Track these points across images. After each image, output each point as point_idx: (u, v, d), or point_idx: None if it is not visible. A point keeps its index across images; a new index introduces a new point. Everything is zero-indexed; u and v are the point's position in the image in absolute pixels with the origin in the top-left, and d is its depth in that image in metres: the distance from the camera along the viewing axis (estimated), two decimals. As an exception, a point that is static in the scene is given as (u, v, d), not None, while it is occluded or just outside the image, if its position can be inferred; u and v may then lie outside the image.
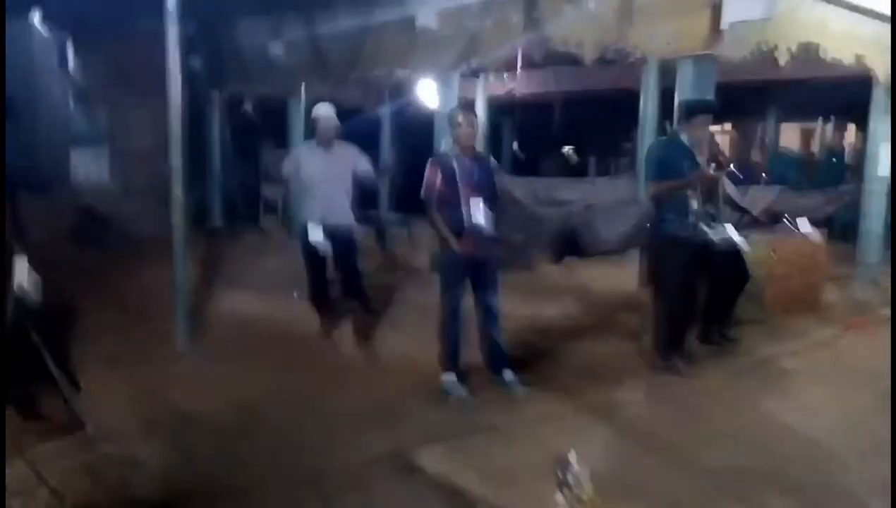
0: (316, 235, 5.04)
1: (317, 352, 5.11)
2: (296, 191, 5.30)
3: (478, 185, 4.27)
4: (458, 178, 4.23)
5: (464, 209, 4.23)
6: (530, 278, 6.64)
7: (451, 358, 4.43)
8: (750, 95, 11.36)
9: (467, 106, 4.81)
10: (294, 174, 5.20)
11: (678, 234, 4.72)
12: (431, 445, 3.63)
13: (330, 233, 5.05)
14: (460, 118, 4.32)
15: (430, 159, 4.38)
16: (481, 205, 4.24)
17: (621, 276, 7.19)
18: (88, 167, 10.73)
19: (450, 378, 4.43)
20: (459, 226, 4.24)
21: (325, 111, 5.09)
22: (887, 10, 6.81)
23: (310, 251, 5.12)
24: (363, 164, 5.19)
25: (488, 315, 4.41)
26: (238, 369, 4.70)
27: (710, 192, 5.06)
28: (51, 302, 3.61)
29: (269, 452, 3.54)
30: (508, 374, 4.47)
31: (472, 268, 4.30)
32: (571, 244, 6.06)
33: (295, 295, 6.59)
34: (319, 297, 5.29)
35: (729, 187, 5.26)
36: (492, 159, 4.58)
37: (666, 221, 4.75)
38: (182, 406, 4.02)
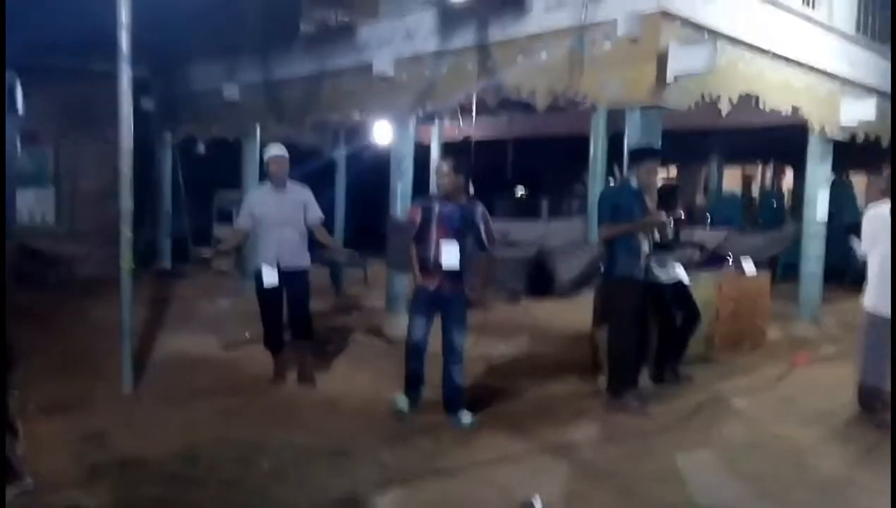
0: (270, 279, 4.99)
1: (267, 394, 5.02)
2: (253, 235, 5.18)
3: (455, 229, 4.45)
4: (433, 221, 4.48)
5: (433, 249, 4.45)
6: (487, 317, 6.67)
7: (408, 384, 4.69)
8: (694, 141, 11.83)
9: (452, 157, 4.83)
10: (248, 219, 5.14)
11: (629, 275, 4.84)
12: (386, 488, 3.58)
13: (284, 275, 5.02)
14: (443, 167, 4.55)
15: (413, 202, 4.84)
16: (453, 247, 4.41)
17: (576, 315, 7.28)
18: (33, 207, 10.46)
19: (401, 401, 4.68)
20: (426, 263, 4.50)
21: (276, 151, 5.11)
22: (820, 65, 7.26)
23: (265, 295, 5.06)
24: (314, 209, 5.17)
25: (449, 352, 4.55)
26: (186, 412, 4.58)
27: (660, 235, 5.26)
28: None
29: (219, 501, 3.43)
30: (465, 416, 4.53)
31: (438, 304, 4.52)
32: (527, 284, 6.13)
33: (246, 335, 6.50)
34: (275, 341, 5.22)
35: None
36: (480, 206, 4.58)
37: (618, 262, 4.86)
38: (128, 452, 3.89)
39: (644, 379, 5.28)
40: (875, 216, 4.75)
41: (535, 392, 5.30)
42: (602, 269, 5.13)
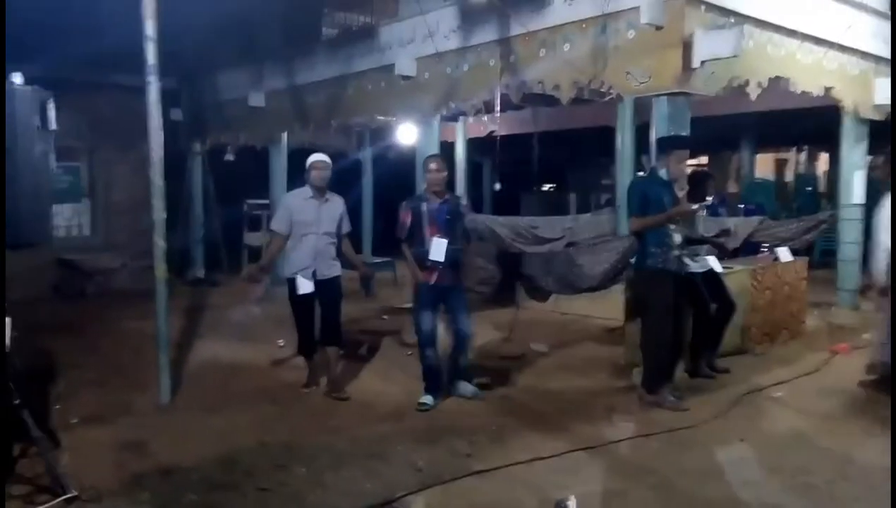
0: (306, 288, 4.98)
1: (302, 400, 5.05)
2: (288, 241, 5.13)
3: (444, 226, 4.81)
4: (423, 220, 4.81)
5: (428, 246, 4.78)
6: (517, 315, 6.65)
7: (427, 377, 4.90)
8: (724, 128, 11.62)
9: (438, 154, 5.43)
10: (287, 224, 5.09)
11: (661, 267, 4.77)
12: (421, 490, 3.58)
13: (318, 283, 5.00)
14: (431, 165, 4.87)
15: (403, 203, 4.94)
16: (443, 243, 4.76)
17: (607, 311, 7.24)
18: (69, 221, 10.71)
19: (426, 399, 4.85)
20: (424, 260, 4.80)
21: (318, 157, 5.08)
22: (852, 43, 7.06)
23: (300, 303, 5.04)
24: (346, 221, 5.20)
25: (458, 337, 4.95)
26: (223, 420, 4.63)
27: (692, 225, 5.18)
28: (31, 360, 3.56)
29: (258, 505, 3.47)
30: (466, 388, 4.99)
31: (440, 296, 4.85)
32: (557, 280, 6.08)
33: (280, 343, 6.57)
34: (309, 348, 5.22)
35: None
36: (462, 200, 5.12)
37: (649, 255, 4.80)
38: (167, 460, 3.95)
39: (680, 372, 5.20)
40: None
41: (569, 389, 5.28)
42: (633, 262, 5.06)
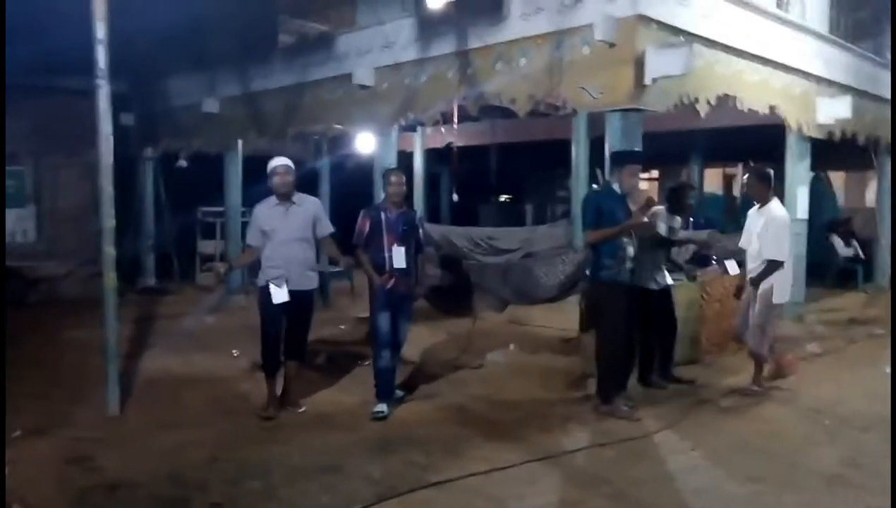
0: (281, 297, 4.80)
1: (256, 412, 4.95)
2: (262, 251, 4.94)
3: (401, 236, 4.98)
4: (383, 229, 4.96)
5: (387, 254, 4.94)
6: (474, 325, 6.67)
7: (382, 384, 4.95)
8: (675, 143, 11.91)
9: (398, 168, 5.51)
10: (259, 236, 4.90)
11: (615, 279, 4.84)
12: (379, 503, 3.55)
13: (290, 295, 4.82)
14: (392, 178, 5.04)
15: (361, 211, 5.04)
16: (402, 251, 4.95)
17: (563, 322, 7.30)
18: (13, 227, 10.32)
19: (381, 408, 4.88)
20: (382, 266, 4.94)
21: (279, 162, 4.91)
22: (796, 64, 7.34)
23: (271, 315, 4.84)
24: (323, 223, 5.02)
25: (397, 342, 5.07)
26: (174, 433, 4.51)
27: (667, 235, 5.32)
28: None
29: (209, 521, 3.38)
30: (397, 393, 5.15)
31: (393, 301, 4.97)
32: (513, 291, 6.13)
33: (235, 353, 6.45)
34: (274, 364, 4.94)
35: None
36: (417, 213, 5.34)
37: (603, 267, 4.86)
38: (116, 475, 3.82)
39: (632, 381, 5.27)
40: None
41: (525, 399, 5.30)
42: (588, 274, 5.14)
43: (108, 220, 4.67)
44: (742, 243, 5.58)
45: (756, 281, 5.34)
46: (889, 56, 8.79)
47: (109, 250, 4.67)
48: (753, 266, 5.39)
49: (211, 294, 9.91)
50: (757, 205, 5.47)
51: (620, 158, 5.05)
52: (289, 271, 4.81)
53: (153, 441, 4.36)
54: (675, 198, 5.65)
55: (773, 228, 5.28)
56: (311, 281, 4.94)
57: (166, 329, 7.74)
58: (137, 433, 4.52)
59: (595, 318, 5.11)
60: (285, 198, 4.88)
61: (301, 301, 4.88)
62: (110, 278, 4.68)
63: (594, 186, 7.92)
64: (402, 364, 5.37)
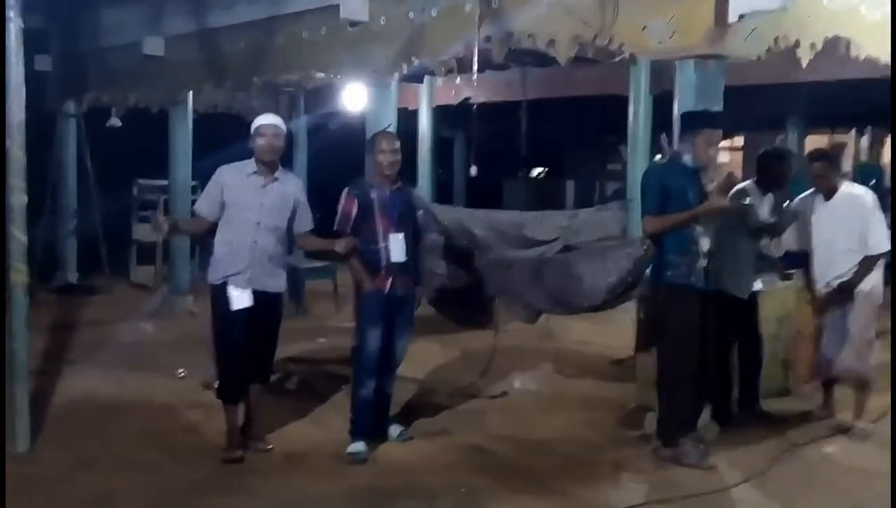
0: (242, 300, 4.75)
1: (207, 451, 4.98)
2: (218, 232, 4.90)
3: (399, 220, 4.99)
4: (375, 211, 4.95)
5: (382, 245, 4.93)
6: (498, 340, 6.67)
7: (361, 418, 5.00)
8: (767, 102, 11.84)
9: (391, 131, 5.59)
10: (217, 205, 4.84)
11: (685, 281, 4.82)
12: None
13: (257, 296, 4.80)
14: (383, 143, 5.01)
15: (345, 189, 5.05)
16: (401, 240, 4.96)
17: (613, 337, 7.29)
18: None
19: (358, 447, 4.91)
20: (377, 264, 4.93)
21: (269, 120, 4.90)
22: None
23: (230, 324, 4.78)
24: (304, 213, 5.00)
25: (392, 361, 5.12)
26: (99, 476, 4.56)
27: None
28: None
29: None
30: (395, 430, 5.23)
31: (391, 308, 4.99)
32: (548, 296, 6.11)
33: (180, 373, 6.48)
34: (235, 387, 4.90)
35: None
36: (416, 190, 5.32)
37: (669, 265, 4.85)
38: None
39: (705, 417, 5.26)
40: None
41: (562, 439, 5.31)
42: (649, 274, 5.12)
43: (18, 196, 4.69)
44: (799, 243, 5.64)
45: (852, 286, 5.31)
46: None
47: (18, 235, 4.70)
48: (837, 269, 5.38)
49: (150, 294, 9.98)
50: (819, 196, 5.53)
51: (694, 121, 5.03)
52: (254, 266, 4.79)
53: (72, 489, 4.39)
54: (769, 170, 5.61)
55: (863, 214, 5.32)
56: (279, 282, 4.97)
57: (91, 339, 7.79)
58: (53, 475, 4.55)
59: (657, 333, 5.10)
60: (268, 168, 4.86)
61: (268, 306, 4.88)
62: (19, 272, 4.71)
63: (657, 158, 7.87)
64: (396, 388, 5.36)
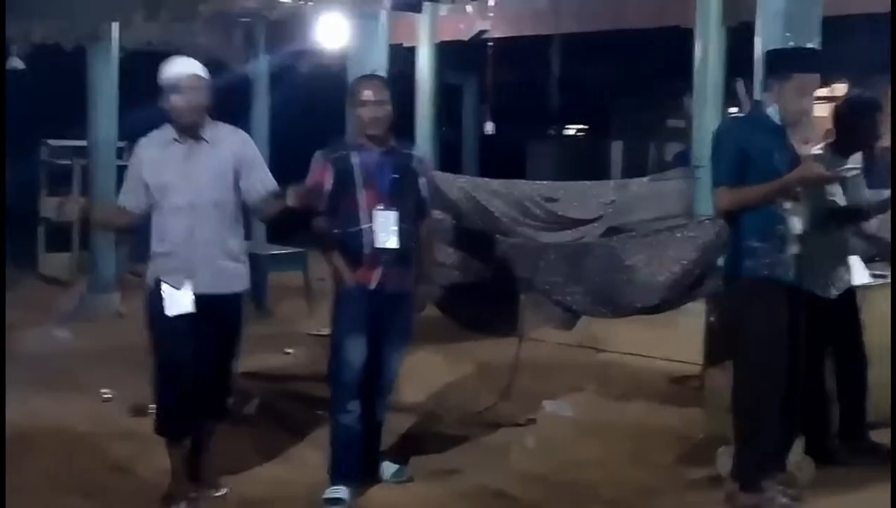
0: (180, 304, 4.74)
1: (139, 494, 5.01)
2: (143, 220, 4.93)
3: (390, 192, 4.98)
4: (356, 181, 4.94)
5: (364, 226, 4.91)
6: (523, 350, 6.69)
7: (342, 455, 5.00)
8: (876, 38, 11.78)
9: (377, 75, 5.59)
10: (140, 193, 4.85)
11: (770, 274, 4.82)
12: None
13: (200, 302, 4.77)
14: (365, 91, 4.97)
15: (316, 153, 5.08)
16: (392, 220, 4.93)
17: (673, 347, 7.33)
18: None
19: (338, 492, 4.90)
20: (358, 251, 4.92)
21: (183, 68, 4.82)
22: None
23: (167, 335, 4.79)
24: (259, 174, 4.93)
25: (381, 381, 5.13)
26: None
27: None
28: None
29: None
30: (389, 468, 5.25)
31: (378, 309, 4.98)
32: (588, 293, 6.13)
33: (105, 393, 6.51)
34: (176, 420, 4.87)
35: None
36: (416, 151, 5.33)
37: (748, 253, 4.84)
38: None
39: (797, 453, 5.28)
40: None
41: (608, 480, 5.32)
42: (723, 265, 5.13)
43: None
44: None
45: None
46: None
47: None
48: None
49: (65, 290, 10.01)
50: None
51: (783, 62, 5.01)
52: (193, 259, 4.78)
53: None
54: (854, 127, 5.54)
55: None
56: (233, 278, 4.92)
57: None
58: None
59: (732, 343, 5.10)
60: (189, 130, 4.83)
61: (219, 314, 4.85)
62: None
63: (733, 111, 7.86)
64: (389, 414, 5.38)
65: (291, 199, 4.77)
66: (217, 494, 5.02)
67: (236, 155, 4.89)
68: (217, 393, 5.01)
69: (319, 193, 4.97)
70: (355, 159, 4.97)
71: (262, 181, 4.92)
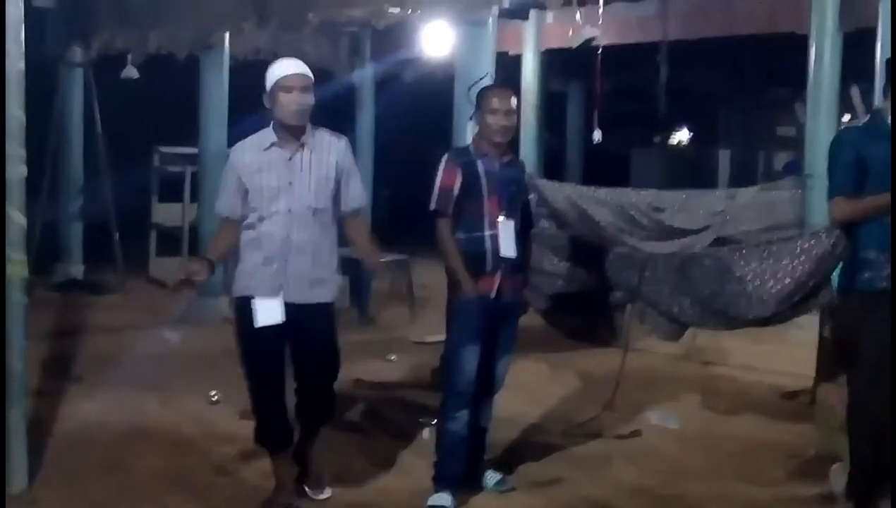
0: (269, 315, 4.71)
1: (245, 495, 5.06)
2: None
3: (510, 202, 5.03)
4: (483, 188, 4.94)
5: (488, 233, 4.94)
6: (627, 361, 6.63)
7: (448, 463, 4.99)
8: None
9: (505, 84, 5.51)
10: (237, 199, 4.82)
11: (889, 289, 4.69)
12: None
13: (292, 311, 4.73)
14: (494, 100, 4.94)
15: (446, 155, 5.04)
16: (512, 230, 4.99)
17: (784, 361, 7.20)
18: None
19: (443, 499, 4.91)
20: (481, 260, 4.92)
21: (291, 68, 4.77)
22: None
23: (257, 345, 4.78)
24: (354, 185, 4.93)
25: (489, 386, 5.13)
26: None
27: None
28: None
29: None
30: (492, 477, 5.24)
31: (494, 319, 5.00)
32: (697, 304, 6.05)
33: (213, 396, 6.62)
34: (274, 429, 4.87)
35: None
36: (524, 164, 5.33)
37: (866, 265, 4.73)
38: None
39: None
40: None
41: (717, 496, 5.26)
42: (837, 278, 5.02)
43: (16, 167, 4.77)
44: None
45: None
46: None
47: (16, 218, 4.79)
48: None
49: (175, 294, 10.19)
50: None
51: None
52: (288, 268, 4.74)
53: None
54: None
55: None
56: (325, 289, 4.87)
57: (101, 350, 8.01)
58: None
59: (847, 357, 4.98)
60: (292, 133, 4.79)
61: (311, 320, 4.81)
62: (16, 265, 4.79)
63: (847, 119, 7.69)
64: (493, 423, 5.37)
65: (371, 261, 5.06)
66: (321, 497, 5.05)
67: (339, 162, 4.87)
68: (322, 402, 5.00)
69: (449, 197, 4.94)
70: (481, 167, 4.98)
71: (355, 193, 4.95)
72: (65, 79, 11.26)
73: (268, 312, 4.71)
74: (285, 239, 4.73)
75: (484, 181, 4.93)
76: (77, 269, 11.34)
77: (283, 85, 4.71)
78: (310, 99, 4.77)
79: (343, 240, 5.06)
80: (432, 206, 4.95)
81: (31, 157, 4.99)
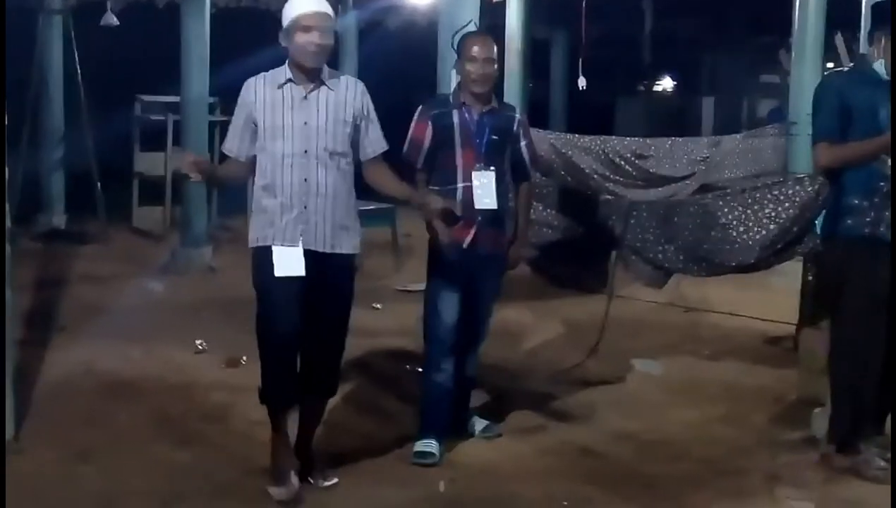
0: (290, 265, 4.40)
1: (232, 441, 5.09)
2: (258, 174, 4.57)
3: (489, 152, 4.98)
4: (456, 139, 4.95)
5: (461, 185, 4.93)
6: (612, 308, 6.66)
7: (432, 410, 5.04)
8: None
9: (483, 32, 5.44)
10: (247, 136, 4.54)
11: (870, 233, 4.72)
12: None
13: (317, 263, 4.44)
14: (474, 48, 4.90)
15: (420, 108, 5.06)
16: (491, 180, 4.93)
17: (767, 307, 7.27)
18: None
19: (428, 446, 4.91)
20: (455, 209, 4.76)
21: (312, 7, 4.40)
22: None
23: (275, 297, 4.44)
24: (373, 130, 4.64)
25: (473, 335, 5.17)
26: (98, 469, 4.70)
27: None
28: None
29: None
30: (479, 424, 5.30)
31: (472, 269, 5.00)
32: (681, 251, 6.07)
33: (199, 344, 6.63)
34: (282, 387, 4.53)
35: None
36: (518, 115, 5.24)
37: (849, 210, 4.76)
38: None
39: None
40: None
41: (699, 439, 5.31)
42: (820, 224, 5.05)
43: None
44: None
45: None
46: None
47: (-2, 168, 4.79)
48: None
49: (158, 243, 10.16)
50: None
51: (890, 14, 4.86)
52: (308, 215, 4.44)
53: (64, 489, 4.51)
54: None
55: None
56: (351, 238, 4.59)
57: (85, 300, 8.01)
58: (44, 468, 4.70)
59: (830, 302, 5.03)
60: (310, 74, 4.50)
61: (330, 274, 4.52)
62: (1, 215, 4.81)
63: (832, 66, 7.68)
64: (475, 370, 5.38)
65: (431, 205, 4.57)
66: (327, 483, 4.68)
67: (357, 104, 4.56)
68: (328, 367, 4.71)
69: (419, 149, 4.98)
70: (456, 117, 4.97)
71: (375, 138, 4.65)
72: (44, 27, 11.15)
73: (288, 262, 4.40)
74: (302, 183, 4.42)
75: (458, 132, 4.94)
76: (59, 219, 11.31)
77: (301, 24, 4.39)
78: (330, 39, 4.48)
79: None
80: (405, 158, 5.02)
81: (12, 107, 4.99)
